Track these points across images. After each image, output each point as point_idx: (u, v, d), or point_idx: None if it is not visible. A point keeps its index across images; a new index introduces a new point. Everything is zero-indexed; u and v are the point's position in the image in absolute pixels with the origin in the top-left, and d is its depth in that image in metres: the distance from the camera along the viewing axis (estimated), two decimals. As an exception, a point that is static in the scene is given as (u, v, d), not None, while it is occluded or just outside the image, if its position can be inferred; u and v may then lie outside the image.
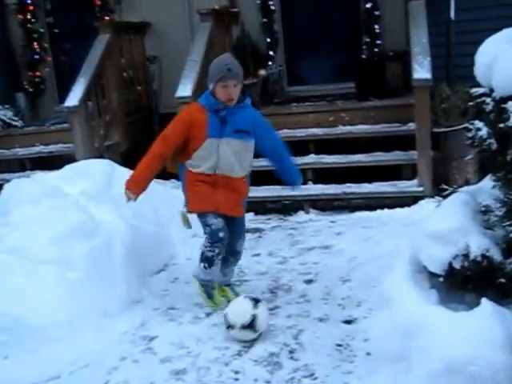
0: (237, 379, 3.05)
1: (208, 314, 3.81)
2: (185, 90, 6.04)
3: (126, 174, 5.13)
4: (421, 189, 5.52)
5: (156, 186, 5.41)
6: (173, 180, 6.46)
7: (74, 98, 6.43)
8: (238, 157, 3.64)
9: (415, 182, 5.63)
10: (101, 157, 6.02)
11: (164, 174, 6.48)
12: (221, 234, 3.60)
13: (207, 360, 3.25)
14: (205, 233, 3.68)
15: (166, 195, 5.28)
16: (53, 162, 6.46)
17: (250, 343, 3.37)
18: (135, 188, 3.67)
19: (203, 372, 3.14)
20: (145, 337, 3.59)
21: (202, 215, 3.67)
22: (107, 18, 7.92)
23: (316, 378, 2.99)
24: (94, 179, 4.82)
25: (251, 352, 3.30)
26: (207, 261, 3.69)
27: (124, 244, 4.17)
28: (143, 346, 3.48)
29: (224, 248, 3.69)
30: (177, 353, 3.37)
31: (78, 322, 3.54)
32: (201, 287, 3.88)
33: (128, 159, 6.58)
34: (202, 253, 3.70)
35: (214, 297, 3.86)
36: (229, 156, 3.59)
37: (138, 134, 7.39)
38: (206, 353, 3.33)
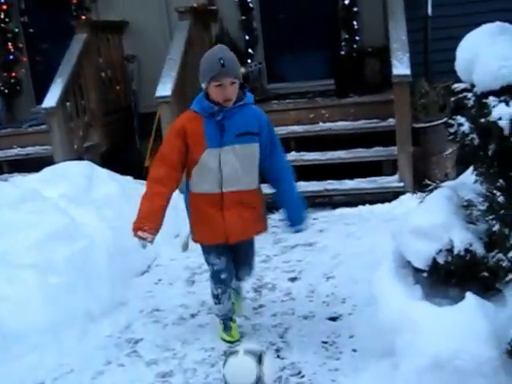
0: (224, 380, 3.04)
1: (193, 315, 3.79)
2: (164, 89, 6.00)
3: (105, 175, 5.12)
4: (401, 184, 5.56)
5: (137, 186, 5.39)
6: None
7: (51, 99, 6.35)
8: (246, 165, 3.09)
9: (396, 177, 5.66)
10: (80, 158, 5.95)
11: (146, 174, 6.45)
12: (223, 276, 3.28)
13: (193, 361, 3.24)
14: (209, 268, 3.38)
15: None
16: (31, 165, 6.38)
17: (235, 343, 3.36)
18: (146, 223, 3.00)
19: (190, 374, 3.13)
20: (130, 340, 3.57)
21: (205, 250, 3.30)
22: (83, 17, 7.85)
23: (303, 377, 2.99)
24: (74, 181, 4.78)
25: (237, 352, 3.28)
26: (214, 297, 3.39)
27: (106, 246, 4.14)
28: (128, 350, 3.45)
29: (229, 288, 3.38)
30: (162, 355, 3.34)
31: (62, 327, 3.50)
32: (219, 320, 3.48)
33: (108, 160, 6.53)
34: (211, 287, 3.42)
35: (232, 329, 3.42)
36: (234, 166, 3.06)
37: (117, 135, 7.35)
38: (191, 354, 3.31)
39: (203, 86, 3.06)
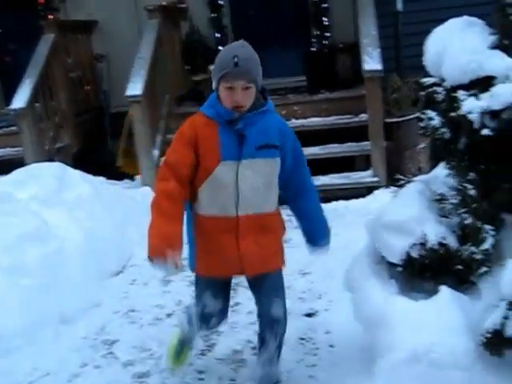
0: (201, 379, 3.02)
1: (169, 315, 3.77)
2: (135, 88, 5.96)
3: (77, 176, 5.05)
4: (376, 179, 5.60)
5: (108, 187, 5.34)
6: (126, 180, 6.37)
7: (20, 101, 6.27)
8: (267, 182, 2.59)
9: (369, 172, 5.70)
10: (51, 160, 5.87)
11: (118, 174, 6.39)
12: (213, 320, 2.78)
13: (170, 361, 3.21)
14: (195, 304, 2.83)
15: (119, 195, 5.21)
16: (1, 167, 6.27)
17: (213, 342, 3.35)
18: (172, 244, 2.38)
19: (167, 374, 3.10)
20: (106, 341, 3.53)
21: (201, 285, 2.78)
22: (51, 16, 7.75)
23: (281, 373, 2.98)
24: (45, 183, 4.71)
25: (215, 351, 3.27)
26: (189, 324, 2.86)
27: (79, 247, 4.10)
28: (104, 351, 3.41)
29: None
30: (139, 356, 3.32)
31: (36, 329, 3.46)
32: (177, 338, 2.95)
33: (79, 161, 6.46)
34: (189, 309, 2.93)
35: (182, 355, 2.99)
36: (253, 184, 2.54)
37: (88, 135, 7.28)
38: (168, 354, 3.29)
39: (214, 85, 2.55)
